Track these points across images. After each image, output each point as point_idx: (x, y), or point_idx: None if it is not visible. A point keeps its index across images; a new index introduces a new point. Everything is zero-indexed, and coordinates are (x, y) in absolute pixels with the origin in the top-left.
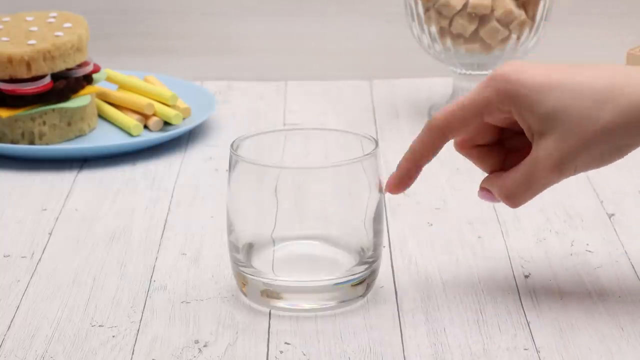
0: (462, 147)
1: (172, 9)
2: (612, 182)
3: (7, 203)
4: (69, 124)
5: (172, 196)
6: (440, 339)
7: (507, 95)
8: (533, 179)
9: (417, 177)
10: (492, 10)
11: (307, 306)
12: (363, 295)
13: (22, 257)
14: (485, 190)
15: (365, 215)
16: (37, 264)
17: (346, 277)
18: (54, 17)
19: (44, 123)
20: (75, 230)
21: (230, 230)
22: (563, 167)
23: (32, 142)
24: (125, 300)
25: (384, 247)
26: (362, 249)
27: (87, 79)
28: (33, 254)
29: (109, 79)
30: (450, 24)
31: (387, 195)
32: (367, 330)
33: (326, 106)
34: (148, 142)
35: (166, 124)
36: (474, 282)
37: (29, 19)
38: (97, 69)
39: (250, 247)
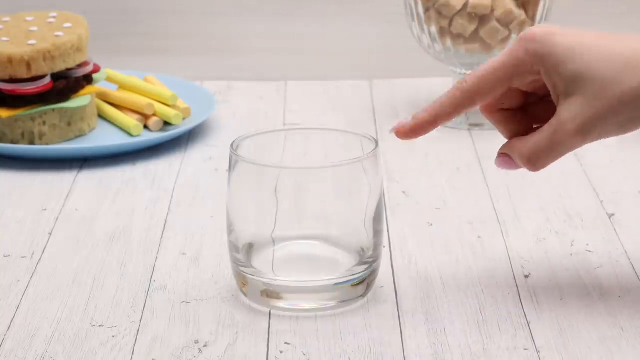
0: (486, 110)
1: (172, 9)
2: (612, 182)
3: (7, 203)
4: (69, 124)
5: (172, 196)
6: (440, 339)
7: (536, 55)
8: (556, 142)
9: (429, 132)
10: (492, 10)
11: (307, 306)
12: (363, 295)
13: (22, 257)
14: (504, 156)
15: (365, 215)
16: (37, 264)
17: (346, 277)
18: (54, 17)
19: (44, 123)
20: (75, 230)
21: (230, 230)
22: (587, 131)
23: (32, 142)
24: (125, 300)
25: (384, 247)
26: (362, 249)
27: (87, 79)
28: (33, 254)
29: (109, 79)
30: (450, 24)
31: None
32: (367, 330)
33: (326, 106)
34: (148, 142)
35: (166, 124)
36: (474, 282)
37: (29, 19)
38: (97, 69)
39: (250, 247)
